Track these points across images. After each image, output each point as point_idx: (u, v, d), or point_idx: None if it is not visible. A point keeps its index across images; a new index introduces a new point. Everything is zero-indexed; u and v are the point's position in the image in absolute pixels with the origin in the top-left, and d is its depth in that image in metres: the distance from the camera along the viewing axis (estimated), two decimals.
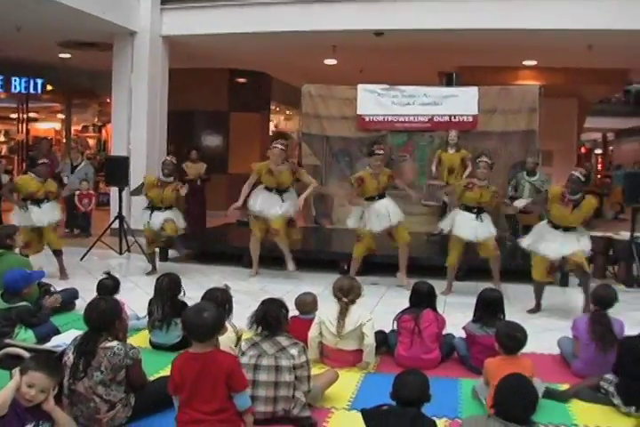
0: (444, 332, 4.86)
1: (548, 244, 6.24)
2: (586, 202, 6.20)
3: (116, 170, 9.26)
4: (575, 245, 6.16)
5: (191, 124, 14.54)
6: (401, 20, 9.82)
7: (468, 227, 6.97)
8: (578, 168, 6.67)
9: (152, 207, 7.86)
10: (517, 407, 2.98)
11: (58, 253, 7.61)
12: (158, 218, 7.72)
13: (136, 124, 10.68)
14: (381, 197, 7.51)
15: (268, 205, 7.70)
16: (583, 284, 6.37)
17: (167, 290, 4.89)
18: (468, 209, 7.04)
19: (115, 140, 11.18)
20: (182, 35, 10.80)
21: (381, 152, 7.52)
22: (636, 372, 3.85)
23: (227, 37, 10.71)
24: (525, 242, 6.49)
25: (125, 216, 9.29)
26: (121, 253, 9.11)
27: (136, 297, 6.00)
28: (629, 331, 4.43)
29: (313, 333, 4.61)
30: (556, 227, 6.27)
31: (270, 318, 3.63)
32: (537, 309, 6.55)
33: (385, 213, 7.39)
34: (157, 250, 8.43)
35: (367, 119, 10.70)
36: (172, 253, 8.96)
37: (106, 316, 3.50)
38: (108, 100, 13.10)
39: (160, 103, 11.02)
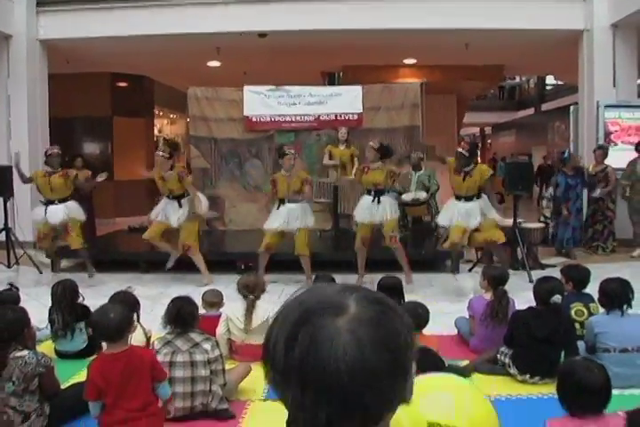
0: None
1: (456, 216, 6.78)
2: (477, 169, 6.74)
3: None
4: (478, 218, 6.70)
5: (73, 131, 14.06)
6: (284, 21, 9.96)
7: (364, 209, 7.16)
8: (462, 145, 7.09)
9: (46, 202, 7.67)
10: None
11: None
12: (57, 213, 7.57)
13: (16, 132, 10.28)
14: (291, 201, 7.38)
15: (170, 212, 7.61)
16: (497, 255, 7.36)
17: (64, 297, 4.83)
18: (368, 192, 7.21)
19: None
20: (60, 38, 10.44)
21: (292, 151, 7.47)
22: (527, 342, 4.16)
23: (105, 41, 10.48)
24: (441, 221, 7.10)
25: (12, 228, 8.95)
26: (9, 267, 8.77)
27: (31, 308, 5.80)
28: (520, 308, 4.73)
29: (221, 330, 4.67)
30: (458, 198, 6.81)
31: (185, 313, 3.68)
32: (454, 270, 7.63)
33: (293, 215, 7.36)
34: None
35: (254, 120, 10.74)
36: (63, 262, 8.75)
37: (15, 325, 3.46)
38: None
39: (41, 110, 10.64)
